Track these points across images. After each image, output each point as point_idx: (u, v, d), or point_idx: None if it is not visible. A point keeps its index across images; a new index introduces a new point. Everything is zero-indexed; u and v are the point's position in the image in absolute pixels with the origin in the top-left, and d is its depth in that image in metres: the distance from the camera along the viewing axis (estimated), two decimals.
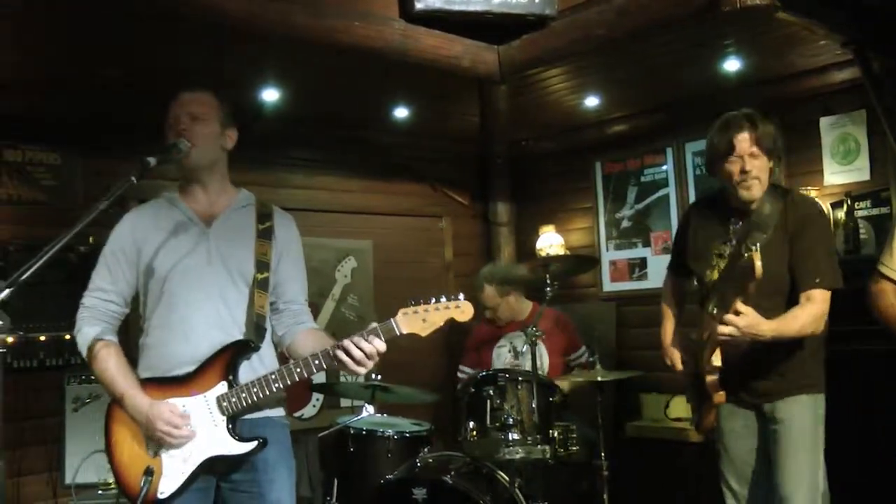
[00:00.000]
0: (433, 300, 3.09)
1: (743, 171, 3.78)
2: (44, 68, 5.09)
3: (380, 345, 3.06)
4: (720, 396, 3.82)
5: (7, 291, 2.63)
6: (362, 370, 3.07)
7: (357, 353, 3.03)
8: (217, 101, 3.45)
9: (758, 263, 3.19)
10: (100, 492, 4.94)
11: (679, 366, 4.18)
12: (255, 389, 3.15)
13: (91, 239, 5.05)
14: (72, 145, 5.61)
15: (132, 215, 3.44)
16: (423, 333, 3.09)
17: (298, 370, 3.12)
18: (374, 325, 3.10)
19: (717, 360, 3.76)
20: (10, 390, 3.51)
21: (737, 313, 3.46)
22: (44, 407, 5.30)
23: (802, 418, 3.77)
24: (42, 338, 5.14)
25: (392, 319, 3.08)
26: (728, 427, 4.01)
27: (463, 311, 3.11)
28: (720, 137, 3.85)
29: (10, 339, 2.92)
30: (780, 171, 3.87)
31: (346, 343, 3.05)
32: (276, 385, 3.14)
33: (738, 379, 3.86)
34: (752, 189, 3.80)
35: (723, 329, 3.52)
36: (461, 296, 3.13)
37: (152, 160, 3.08)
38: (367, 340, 3.04)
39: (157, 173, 3.17)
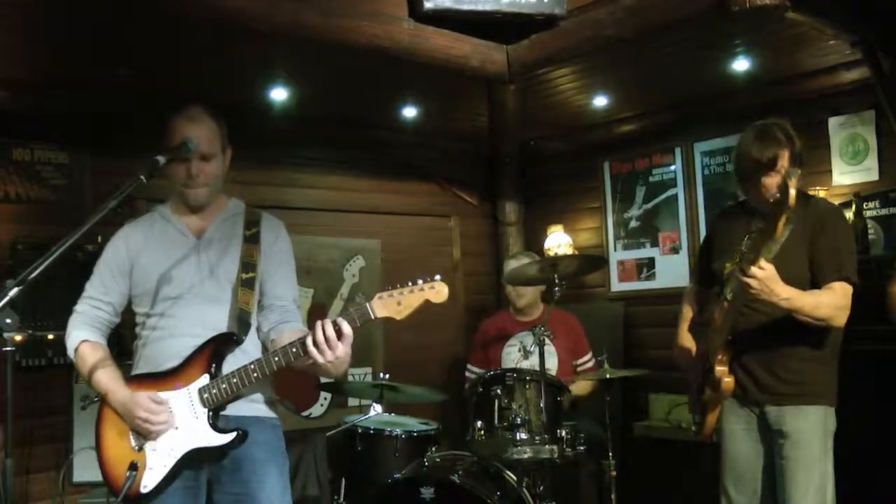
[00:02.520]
0: (409, 283, 3.06)
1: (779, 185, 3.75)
2: (53, 67, 5.11)
3: (346, 329, 3.01)
4: (728, 383, 3.79)
5: (16, 290, 2.64)
6: (325, 357, 3.01)
7: (319, 336, 2.99)
8: (217, 124, 3.42)
9: (792, 191, 3.15)
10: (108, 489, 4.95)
11: (692, 348, 4.15)
12: (234, 380, 3.16)
13: (100, 238, 5.05)
14: (80, 144, 5.62)
15: (126, 229, 3.49)
16: (399, 317, 3.05)
17: (276, 359, 3.12)
18: (349, 310, 3.09)
19: (726, 349, 3.77)
20: (18, 388, 3.51)
21: (760, 268, 3.43)
22: (52, 405, 5.33)
23: (811, 433, 3.73)
24: (50, 336, 5.15)
25: (367, 304, 3.06)
26: (729, 429, 3.97)
27: (438, 291, 3.06)
28: (762, 151, 3.76)
29: (18, 338, 2.92)
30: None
31: (316, 325, 3.03)
32: (255, 375, 3.14)
33: (747, 370, 3.84)
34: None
35: (744, 279, 3.46)
36: (437, 276, 3.09)
37: (161, 159, 3.10)
38: (335, 325, 3.01)
39: (166, 172, 3.19)
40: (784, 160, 3.75)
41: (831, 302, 3.65)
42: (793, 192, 3.16)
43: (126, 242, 3.43)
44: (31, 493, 5.24)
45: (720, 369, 3.81)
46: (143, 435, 3.20)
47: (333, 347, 3.01)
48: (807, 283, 3.72)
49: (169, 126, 3.34)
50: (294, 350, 3.09)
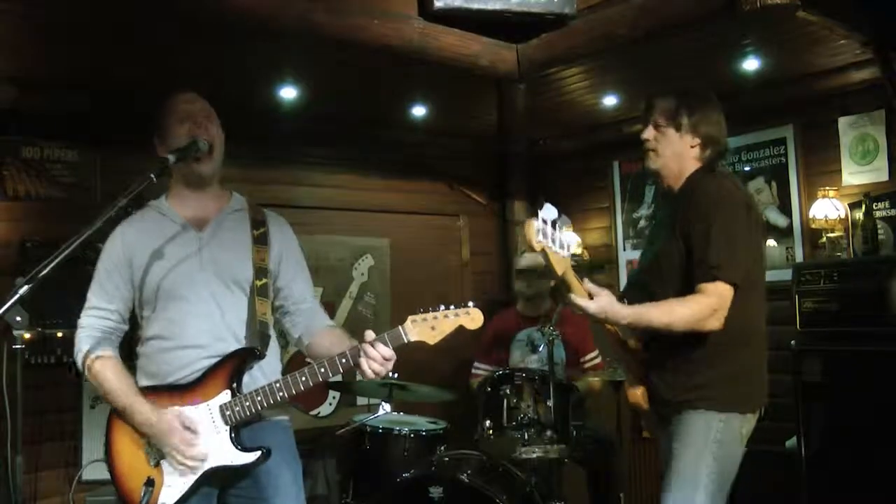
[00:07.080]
0: (442, 307, 3.03)
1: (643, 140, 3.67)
2: (62, 66, 5.11)
3: (386, 351, 3.01)
4: (633, 395, 3.64)
5: (26, 288, 2.64)
6: (378, 376, 3.03)
7: (372, 353, 2.99)
8: (208, 104, 3.37)
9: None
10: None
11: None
12: (259, 398, 3.07)
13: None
14: (89, 142, 5.63)
15: (121, 229, 3.31)
16: (432, 342, 3.03)
17: (304, 379, 3.05)
18: (384, 333, 3.05)
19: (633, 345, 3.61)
20: (28, 386, 3.53)
21: (590, 296, 3.29)
22: (61, 403, 5.34)
23: (688, 437, 3.43)
24: (60, 334, 5.16)
25: (401, 327, 3.04)
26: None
27: (473, 318, 3.05)
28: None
29: (27, 335, 2.93)
30: (704, 152, 3.58)
31: (375, 346, 3.00)
32: (282, 394, 3.06)
33: (651, 379, 3.59)
34: (647, 159, 3.69)
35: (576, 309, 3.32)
36: (471, 303, 3.06)
37: (172, 158, 3.06)
38: (374, 348, 3.00)
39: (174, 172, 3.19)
40: (647, 113, 3.67)
41: (691, 313, 3.30)
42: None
43: (122, 241, 3.26)
44: (40, 490, 5.25)
45: (628, 387, 3.66)
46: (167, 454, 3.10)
47: (385, 364, 3.03)
48: (678, 277, 3.44)
49: (165, 106, 3.31)
50: (322, 370, 3.05)
